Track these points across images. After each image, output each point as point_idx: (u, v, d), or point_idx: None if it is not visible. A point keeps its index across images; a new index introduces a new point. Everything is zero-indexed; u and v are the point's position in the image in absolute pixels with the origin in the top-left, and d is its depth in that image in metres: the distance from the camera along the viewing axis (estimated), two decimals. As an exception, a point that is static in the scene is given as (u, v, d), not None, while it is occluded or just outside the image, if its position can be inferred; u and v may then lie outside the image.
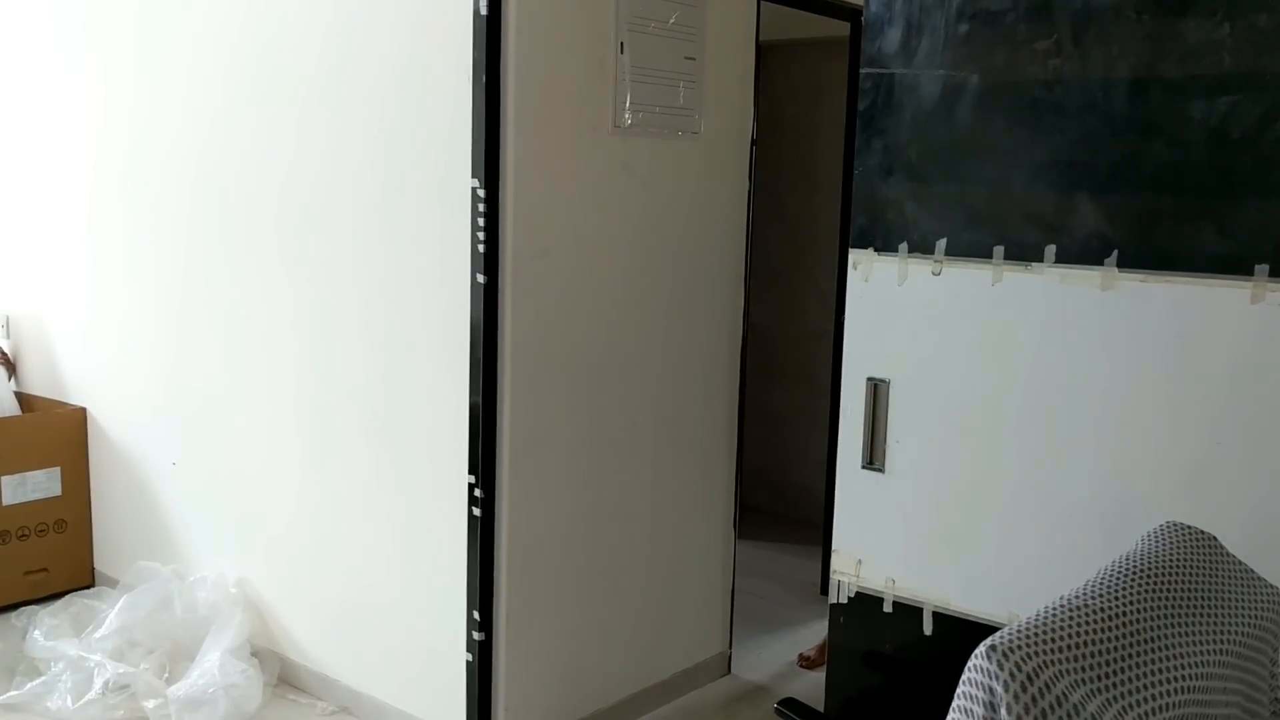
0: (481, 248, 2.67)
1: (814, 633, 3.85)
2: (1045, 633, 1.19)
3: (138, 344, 3.70)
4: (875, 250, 2.22)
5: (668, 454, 3.23)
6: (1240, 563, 1.47)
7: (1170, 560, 1.40)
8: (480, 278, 2.69)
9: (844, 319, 2.31)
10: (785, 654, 3.72)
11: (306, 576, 3.27)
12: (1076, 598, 1.29)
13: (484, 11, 2.60)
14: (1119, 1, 1.91)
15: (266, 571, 3.38)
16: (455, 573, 2.84)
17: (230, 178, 3.30)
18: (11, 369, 4.13)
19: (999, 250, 2.07)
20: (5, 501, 3.74)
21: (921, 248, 2.16)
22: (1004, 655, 1.14)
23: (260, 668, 3.22)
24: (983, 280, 2.10)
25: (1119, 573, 1.36)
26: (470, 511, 2.79)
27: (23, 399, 4.07)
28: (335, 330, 3.07)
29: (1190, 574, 1.39)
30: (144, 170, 3.57)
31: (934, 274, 2.15)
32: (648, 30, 2.92)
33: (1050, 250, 2.02)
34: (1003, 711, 1.12)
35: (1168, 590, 1.34)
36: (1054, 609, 1.25)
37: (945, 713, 1.21)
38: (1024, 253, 2.05)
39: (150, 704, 3.07)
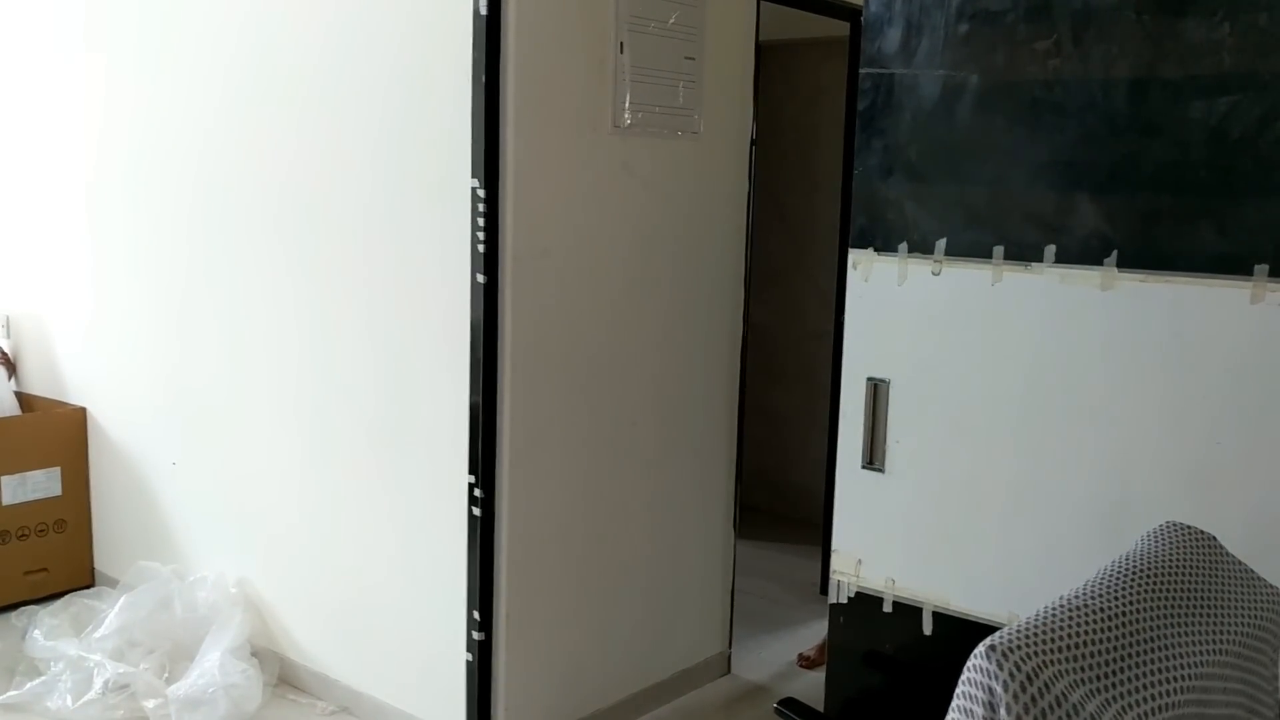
0: (481, 248, 2.67)
1: (814, 633, 3.85)
2: (1045, 632, 1.19)
3: (138, 344, 3.70)
4: (875, 250, 2.22)
5: (668, 454, 3.23)
6: (1240, 563, 1.47)
7: (1170, 560, 1.40)
8: (480, 278, 2.69)
9: (844, 319, 2.31)
10: (785, 654, 3.72)
11: (307, 576, 3.27)
12: (1076, 597, 1.29)
13: (484, 11, 2.60)
14: (1119, 1, 1.91)
15: (266, 571, 3.38)
16: (455, 573, 2.84)
17: (230, 177, 3.30)
18: (11, 369, 4.13)
19: (999, 250, 2.07)
20: (5, 501, 3.74)
21: (921, 248, 2.16)
22: (1004, 655, 1.14)
23: (260, 668, 3.22)
24: (982, 280, 2.10)
25: (1119, 572, 1.36)
26: (470, 511, 2.79)
27: (23, 399, 4.07)
28: (335, 330, 3.07)
29: (1190, 574, 1.39)
30: (144, 170, 3.57)
31: (934, 274, 2.15)
32: (648, 30, 2.92)
33: (1050, 250, 2.02)
34: (1002, 711, 1.12)
35: (1167, 590, 1.34)
36: (1053, 609, 1.25)
37: (945, 713, 1.21)
38: (1024, 253, 2.05)
39: (150, 704, 3.07)
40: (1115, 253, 1.95)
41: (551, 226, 2.79)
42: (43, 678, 3.17)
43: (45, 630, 3.35)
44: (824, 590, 3.97)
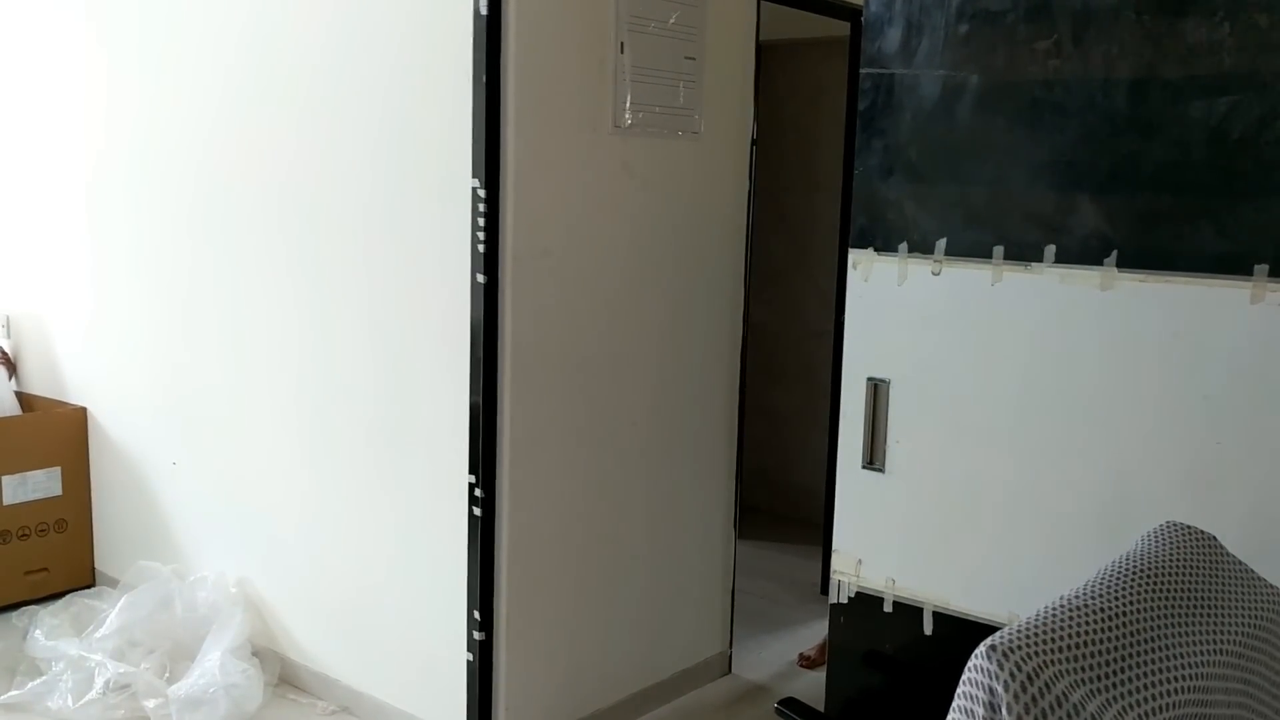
0: (481, 248, 2.67)
1: (814, 632, 3.85)
2: (1045, 633, 1.19)
3: (138, 344, 3.71)
4: (875, 250, 2.22)
5: (668, 453, 3.23)
6: (1240, 563, 1.47)
7: (1170, 560, 1.40)
8: (480, 277, 2.69)
9: (844, 319, 2.31)
10: (785, 654, 3.72)
11: (307, 576, 3.27)
12: (1076, 598, 1.29)
13: (484, 11, 2.60)
14: (1119, 2, 1.91)
15: (267, 571, 3.39)
16: (456, 572, 2.84)
17: (231, 177, 3.30)
18: (12, 369, 4.13)
19: (999, 250, 2.07)
20: (6, 501, 3.74)
21: (921, 248, 2.16)
22: (1004, 655, 1.15)
23: (261, 667, 3.22)
24: (982, 280, 2.10)
25: (1119, 572, 1.36)
26: (470, 511, 2.79)
27: (23, 399, 4.08)
28: (335, 329, 3.08)
29: (1190, 574, 1.39)
30: (145, 170, 3.57)
31: (934, 274, 2.15)
32: (648, 30, 2.92)
33: (1050, 250, 2.02)
34: (1003, 712, 1.12)
35: (1168, 590, 1.34)
36: (1054, 609, 1.25)
37: (945, 713, 1.21)
38: (1024, 253, 2.05)
39: (151, 704, 3.07)
40: (1115, 253, 1.95)
41: (552, 226, 2.79)
42: (43, 678, 3.17)
43: (46, 630, 3.35)
44: (824, 590, 3.98)
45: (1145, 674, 1.22)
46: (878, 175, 2.20)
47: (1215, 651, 1.31)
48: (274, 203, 3.18)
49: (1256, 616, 1.40)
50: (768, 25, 3.43)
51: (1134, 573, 1.36)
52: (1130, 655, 1.22)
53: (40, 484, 3.83)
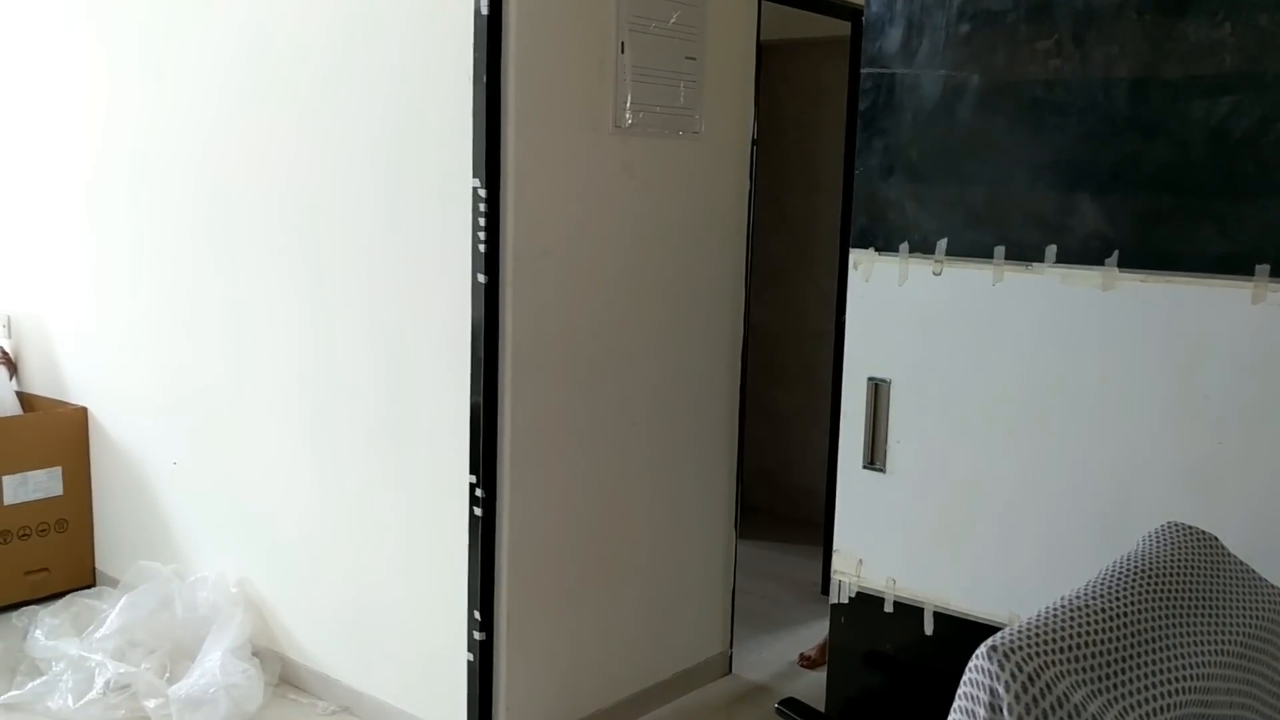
0: (482, 247, 2.67)
1: (814, 632, 3.85)
2: (1046, 633, 1.19)
3: (139, 344, 3.70)
4: (876, 250, 2.22)
5: (668, 453, 3.23)
6: (1241, 563, 1.47)
7: (1171, 560, 1.40)
8: (481, 277, 2.69)
9: (845, 319, 2.31)
10: (786, 654, 3.72)
11: (308, 576, 3.27)
12: (1077, 598, 1.29)
13: (484, 11, 2.60)
14: (1120, 1, 1.91)
15: (267, 571, 3.38)
16: (456, 573, 2.84)
17: (231, 177, 3.30)
18: (13, 368, 4.13)
19: (999, 250, 2.07)
20: (6, 501, 3.74)
21: (922, 248, 2.16)
22: (1005, 656, 1.14)
23: (261, 667, 3.22)
24: (983, 280, 2.09)
25: (1120, 573, 1.36)
26: (471, 511, 2.79)
27: (24, 398, 4.08)
28: (336, 329, 3.08)
29: (1191, 574, 1.39)
30: (145, 170, 3.57)
31: (935, 274, 2.15)
32: (648, 30, 2.92)
33: (1051, 250, 2.02)
34: (1004, 712, 1.12)
35: (1169, 591, 1.34)
36: (1055, 609, 1.25)
37: (946, 713, 1.21)
38: (1024, 253, 2.05)
39: (151, 704, 3.07)
40: (1116, 253, 1.95)
41: (552, 226, 2.79)
42: (44, 677, 3.17)
43: (46, 630, 3.36)
44: (825, 590, 3.98)
45: (1146, 674, 1.22)
46: (878, 175, 2.20)
47: (1217, 652, 1.31)
48: (274, 202, 3.18)
49: (1258, 617, 1.40)
50: (768, 25, 3.43)
51: (1135, 573, 1.36)
52: (1131, 656, 1.22)
53: (41, 484, 3.83)
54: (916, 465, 2.22)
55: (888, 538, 2.27)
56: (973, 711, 1.15)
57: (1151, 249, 1.92)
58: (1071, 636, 1.20)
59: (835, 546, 2.35)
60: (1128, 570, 1.37)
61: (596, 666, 3.11)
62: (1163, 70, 1.88)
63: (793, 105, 4.98)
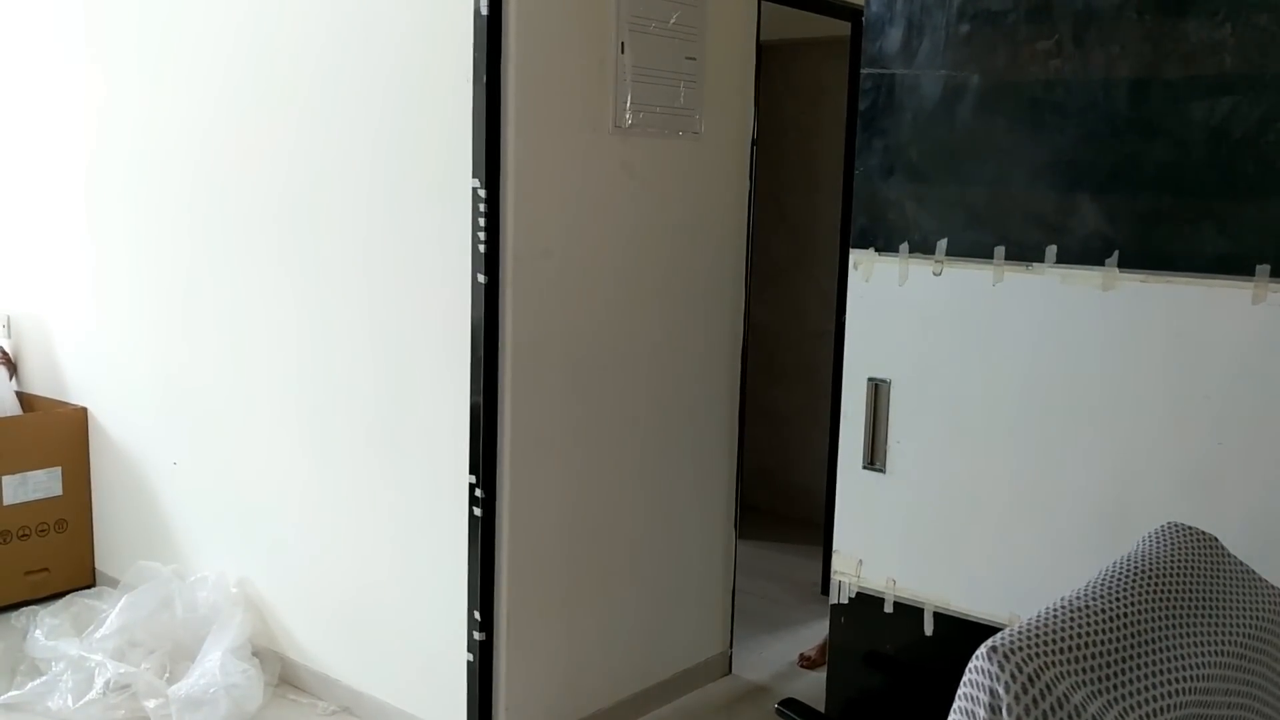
0: (482, 248, 2.67)
1: (814, 633, 3.85)
2: (1046, 634, 1.19)
3: (138, 344, 3.70)
4: (876, 250, 2.22)
5: (668, 453, 3.23)
6: (1242, 564, 1.47)
7: (1171, 561, 1.40)
8: (481, 277, 2.69)
9: (845, 319, 2.31)
10: (786, 654, 3.72)
11: (307, 576, 3.27)
12: (1077, 598, 1.29)
13: (484, 11, 2.60)
14: (1120, 2, 1.91)
15: (267, 571, 3.38)
16: (456, 572, 2.84)
17: (230, 177, 3.30)
18: (12, 368, 4.13)
19: (1000, 250, 2.07)
20: (6, 501, 3.74)
21: (922, 248, 2.16)
22: (1005, 657, 1.14)
23: (261, 668, 3.22)
24: (983, 280, 2.09)
25: (1120, 573, 1.36)
26: (471, 511, 2.79)
27: (24, 398, 4.08)
28: (336, 330, 3.07)
29: (1191, 575, 1.39)
30: (145, 170, 3.57)
31: (935, 274, 2.15)
32: (648, 30, 2.92)
33: (1051, 250, 2.02)
34: (1004, 713, 1.12)
35: (1169, 591, 1.34)
36: (1055, 610, 1.25)
37: (946, 713, 1.21)
38: (1025, 253, 2.04)
39: (151, 704, 3.07)
40: (1116, 253, 1.95)
41: (552, 226, 2.79)
42: (44, 678, 3.17)
43: (46, 630, 3.35)
44: (825, 590, 3.97)
45: (1147, 675, 1.22)
46: (878, 175, 2.20)
47: (1217, 652, 1.31)
48: (274, 202, 3.18)
49: (1258, 617, 1.40)
50: (768, 25, 3.43)
51: (1135, 573, 1.36)
52: (1132, 656, 1.22)
53: (41, 484, 3.83)
54: (916, 465, 2.22)
55: (888, 538, 2.27)
56: (972, 712, 1.15)
57: (1152, 249, 1.92)
58: (1072, 637, 1.19)
59: (835, 547, 2.35)
60: (1128, 571, 1.37)
61: (596, 666, 3.11)
62: (1163, 70, 1.88)
63: (793, 105, 4.98)
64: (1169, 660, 1.25)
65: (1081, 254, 1.99)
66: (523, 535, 2.84)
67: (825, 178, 4.85)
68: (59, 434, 3.88)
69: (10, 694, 3.13)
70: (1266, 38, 1.78)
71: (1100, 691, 1.16)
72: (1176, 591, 1.35)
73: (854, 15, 3.85)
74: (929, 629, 2.22)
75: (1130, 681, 1.20)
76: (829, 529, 3.74)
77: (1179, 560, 1.40)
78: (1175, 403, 1.92)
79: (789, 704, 1.93)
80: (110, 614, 3.33)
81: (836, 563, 2.35)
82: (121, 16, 3.57)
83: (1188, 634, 1.30)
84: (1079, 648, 1.19)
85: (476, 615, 2.81)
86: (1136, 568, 1.38)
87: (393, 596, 3.04)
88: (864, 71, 2.20)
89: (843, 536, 2.33)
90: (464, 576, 2.83)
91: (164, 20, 3.43)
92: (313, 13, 3.00)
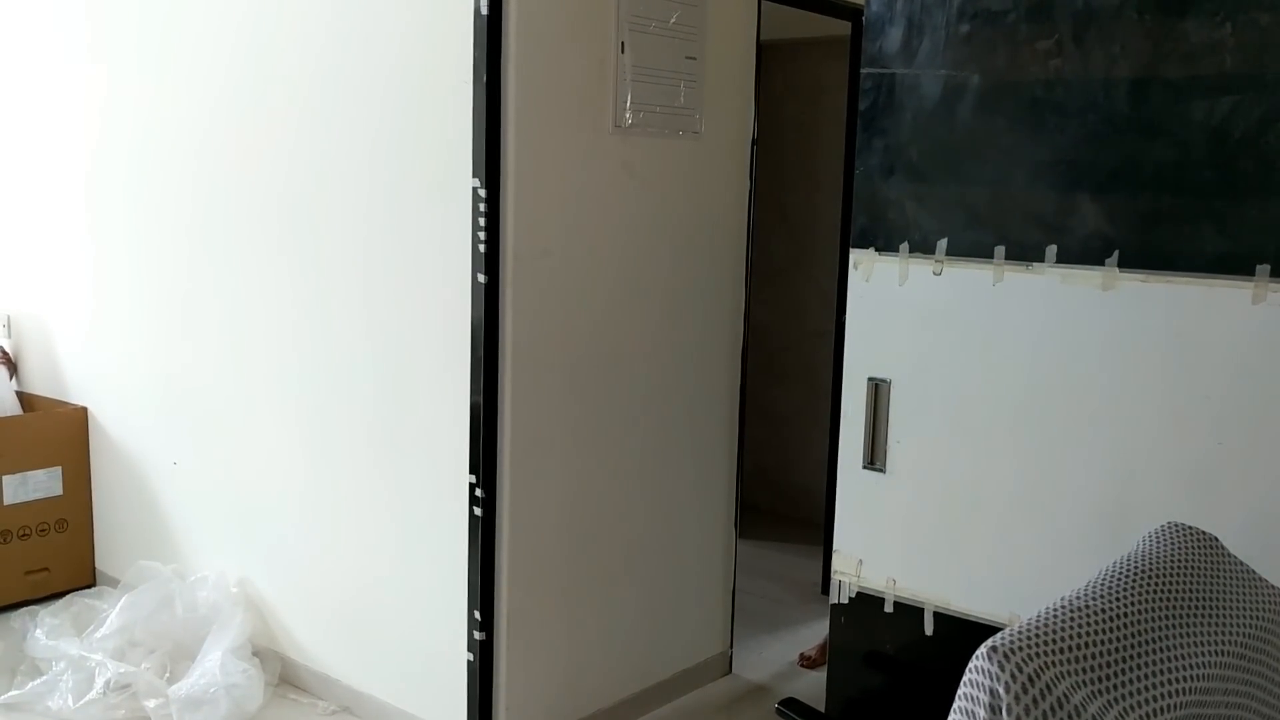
0: (482, 247, 2.67)
1: (815, 632, 3.85)
2: (1046, 634, 1.19)
3: (139, 343, 3.70)
4: (876, 250, 2.22)
5: (668, 453, 3.23)
6: (1242, 564, 1.47)
7: (1172, 561, 1.40)
8: (481, 277, 2.69)
9: (845, 319, 2.31)
10: (786, 654, 3.72)
11: (308, 576, 3.27)
12: (1078, 598, 1.29)
13: (484, 11, 2.60)
14: (1120, 2, 1.91)
15: (267, 571, 3.38)
16: (456, 572, 2.84)
17: (230, 177, 3.30)
18: (13, 368, 4.13)
19: (1000, 250, 2.07)
20: (6, 501, 3.74)
21: (922, 248, 2.16)
22: (1005, 657, 1.14)
23: (261, 667, 3.22)
24: (984, 280, 2.09)
25: (1120, 573, 1.36)
26: (471, 511, 2.79)
27: (24, 398, 4.08)
28: (336, 329, 3.07)
29: (1192, 575, 1.39)
30: (145, 170, 3.57)
31: (935, 274, 2.15)
32: (648, 30, 2.92)
33: (1051, 250, 2.02)
34: (1004, 714, 1.12)
35: (1169, 591, 1.34)
36: (1055, 610, 1.25)
37: (946, 713, 1.21)
38: (1025, 253, 2.04)
39: (151, 704, 3.07)
40: (1116, 253, 1.95)
41: (552, 226, 2.79)
42: (44, 677, 3.17)
43: (46, 630, 3.35)
44: (825, 590, 3.97)
45: (1147, 675, 1.22)
46: (879, 175, 2.20)
47: (1217, 652, 1.31)
48: (274, 202, 3.18)
49: (1258, 617, 1.40)
50: (768, 25, 3.43)
51: (1135, 573, 1.36)
52: (1132, 656, 1.22)
53: (41, 484, 3.83)
54: (916, 465, 2.22)
55: (888, 538, 2.27)
56: (972, 712, 1.15)
57: (1152, 249, 1.92)
58: (1072, 637, 1.20)
59: (835, 546, 2.35)
60: (1128, 571, 1.37)
61: (596, 666, 3.11)
62: (1163, 70, 1.88)
63: (793, 105, 4.98)
64: (1169, 660, 1.25)
65: (1081, 254, 1.98)
66: (523, 535, 2.84)
67: (825, 178, 4.85)
68: (59, 434, 3.88)
69: (10, 694, 3.14)
70: (1266, 38, 1.78)
71: (1100, 691, 1.16)
72: (1176, 591, 1.35)
73: (854, 15, 3.85)
74: (929, 629, 2.22)
75: (1130, 681, 1.20)
76: (829, 529, 3.74)
77: (1179, 560, 1.40)
78: (1175, 403, 1.92)
79: (789, 704, 1.93)
80: (110, 614, 3.33)
81: (836, 563, 2.35)
82: (122, 16, 3.57)
83: (1188, 634, 1.30)
84: (1079, 648, 1.19)
85: (476, 615, 2.81)
86: (1136, 568, 1.38)
87: (393, 596, 3.04)
88: (864, 71, 2.20)
89: (843, 536, 2.33)
90: (464, 576, 2.83)
91: (164, 20, 3.43)
92: (313, 13, 3.00)
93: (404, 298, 2.90)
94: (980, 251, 2.09)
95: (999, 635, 1.18)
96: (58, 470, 3.87)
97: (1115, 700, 1.17)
